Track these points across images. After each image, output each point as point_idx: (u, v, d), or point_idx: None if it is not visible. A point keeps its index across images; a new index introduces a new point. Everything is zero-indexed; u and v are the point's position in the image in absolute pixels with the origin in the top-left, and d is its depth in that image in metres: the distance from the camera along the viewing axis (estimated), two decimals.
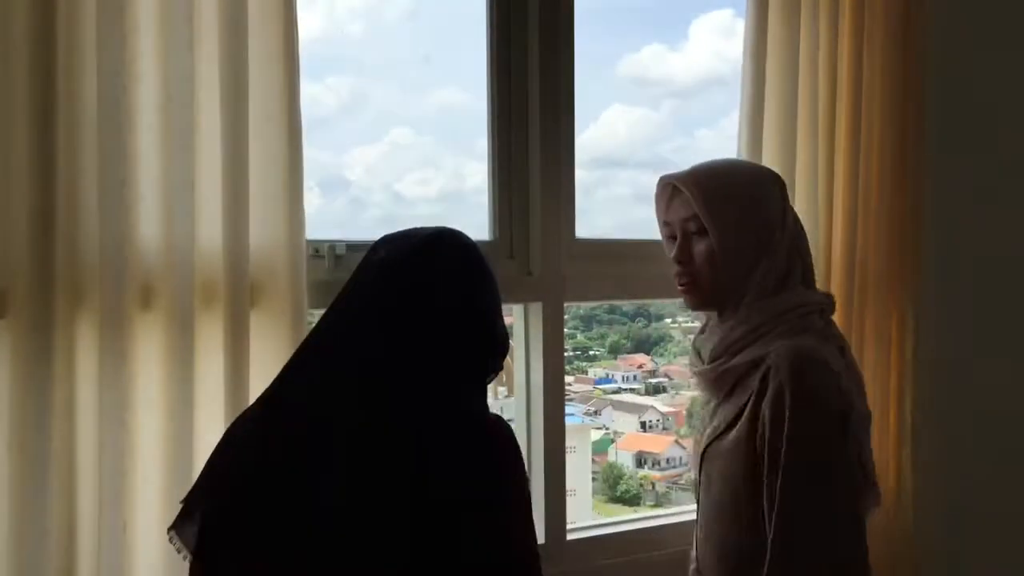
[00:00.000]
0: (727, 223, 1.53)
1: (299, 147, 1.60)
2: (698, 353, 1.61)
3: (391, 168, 1.93)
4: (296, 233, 1.60)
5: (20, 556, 1.40)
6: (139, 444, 1.49)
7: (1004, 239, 2.47)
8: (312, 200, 1.66)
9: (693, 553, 1.65)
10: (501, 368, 1.35)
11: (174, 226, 1.51)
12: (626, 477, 2.92)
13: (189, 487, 1.50)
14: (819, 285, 2.13)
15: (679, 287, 1.60)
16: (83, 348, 1.45)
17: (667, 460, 2.98)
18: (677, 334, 2.98)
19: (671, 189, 1.60)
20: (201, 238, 1.54)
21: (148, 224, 1.50)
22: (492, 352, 1.29)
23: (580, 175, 2.02)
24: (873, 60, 2.18)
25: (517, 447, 1.22)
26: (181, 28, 1.51)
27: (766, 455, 1.43)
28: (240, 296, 1.55)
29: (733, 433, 1.50)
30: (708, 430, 1.57)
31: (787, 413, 1.40)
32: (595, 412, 3.06)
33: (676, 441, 3.04)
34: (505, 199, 1.98)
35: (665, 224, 1.63)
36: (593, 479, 2.91)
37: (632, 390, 3.01)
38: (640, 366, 3.01)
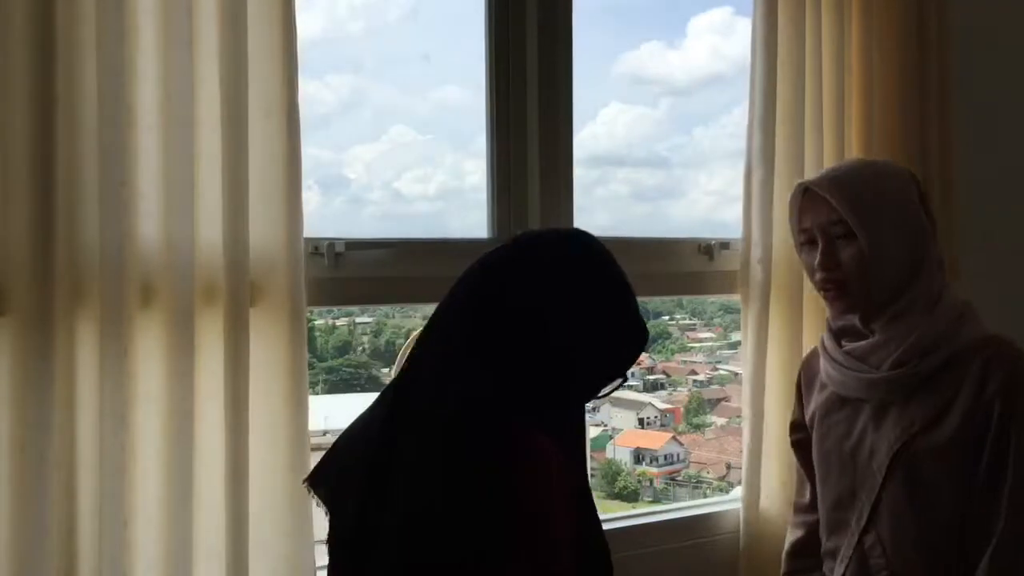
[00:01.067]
0: (877, 225, 1.52)
1: (298, 145, 1.60)
2: (861, 360, 1.59)
3: (390, 166, 1.94)
4: (295, 231, 1.60)
5: (20, 553, 1.40)
6: (139, 441, 1.49)
7: None
8: (311, 198, 1.67)
9: (854, 555, 1.61)
10: (590, 396, 1.29)
11: (174, 224, 1.51)
12: (624, 473, 2.93)
13: (189, 484, 1.51)
14: None
15: (824, 293, 1.59)
16: (83, 346, 1.45)
17: (665, 456, 2.99)
18: (675, 331, 2.99)
19: (808, 194, 1.59)
20: (201, 236, 1.54)
21: (148, 222, 1.50)
22: (575, 371, 1.22)
23: (578, 173, 2.02)
24: (884, 49, 2.18)
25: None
26: (180, 26, 1.51)
27: (994, 438, 1.48)
28: (240, 294, 1.55)
29: (946, 427, 1.51)
30: (895, 429, 1.55)
31: (1021, 400, 1.48)
32: (593, 409, 3.07)
33: (674, 437, 3.05)
34: (504, 197, 1.98)
35: (802, 231, 1.61)
36: (592, 475, 2.92)
37: (630, 387, 3.02)
38: (638, 363, 3.02)
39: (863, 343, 1.60)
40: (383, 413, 1.25)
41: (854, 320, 1.61)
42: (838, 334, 1.65)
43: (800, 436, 1.78)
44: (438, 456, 1.14)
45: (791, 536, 1.81)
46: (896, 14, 2.19)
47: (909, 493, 1.54)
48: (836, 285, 1.56)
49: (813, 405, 1.72)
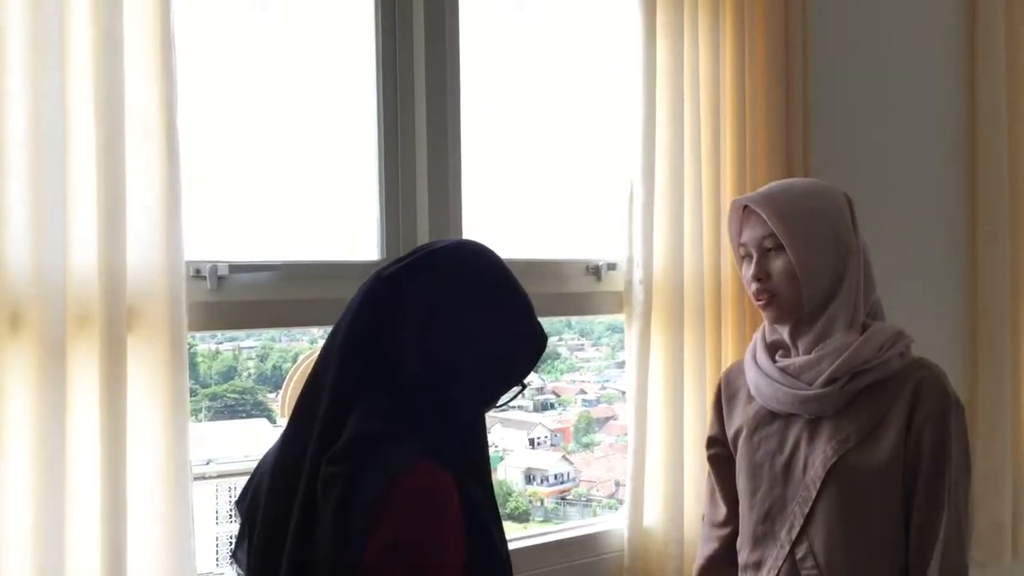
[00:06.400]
0: (803, 237, 1.62)
1: (178, 165, 1.57)
2: (795, 377, 1.65)
3: (275, 186, 1.90)
4: (175, 254, 1.56)
5: None
6: (7, 474, 1.42)
7: (893, 246, 2.57)
8: (193, 219, 1.63)
9: (784, 566, 1.65)
10: (488, 405, 1.32)
11: (44, 248, 1.44)
12: (515, 494, 2.94)
13: (59, 520, 1.44)
14: (710, 311, 2.22)
15: (757, 303, 1.69)
16: None
17: (555, 476, 3.01)
18: (564, 351, 3.03)
19: (744, 210, 1.69)
20: (73, 260, 1.48)
21: (15, 246, 1.43)
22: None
23: (468, 193, 2.04)
24: (755, 77, 2.30)
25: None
26: (52, 43, 1.45)
27: (929, 455, 1.58)
28: (116, 319, 1.50)
29: (882, 443, 1.59)
30: (830, 443, 1.61)
31: (952, 421, 1.59)
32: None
33: (564, 457, 3.08)
34: (393, 217, 1.98)
35: (740, 245, 1.71)
36: None
37: (520, 407, 3.03)
38: (529, 382, 3.04)
39: (798, 360, 1.67)
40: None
41: (785, 335, 1.70)
42: (772, 349, 1.73)
43: (717, 451, 1.83)
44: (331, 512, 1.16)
45: (705, 550, 1.84)
46: (766, 43, 2.32)
47: (843, 506, 1.61)
48: (768, 295, 1.66)
49: (739, 420, 1.77)
